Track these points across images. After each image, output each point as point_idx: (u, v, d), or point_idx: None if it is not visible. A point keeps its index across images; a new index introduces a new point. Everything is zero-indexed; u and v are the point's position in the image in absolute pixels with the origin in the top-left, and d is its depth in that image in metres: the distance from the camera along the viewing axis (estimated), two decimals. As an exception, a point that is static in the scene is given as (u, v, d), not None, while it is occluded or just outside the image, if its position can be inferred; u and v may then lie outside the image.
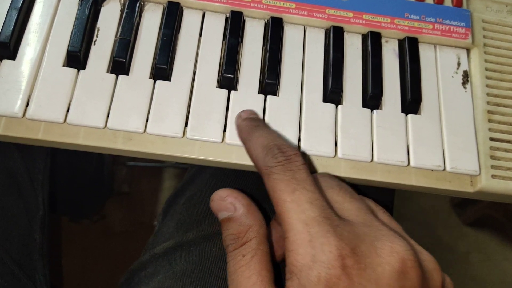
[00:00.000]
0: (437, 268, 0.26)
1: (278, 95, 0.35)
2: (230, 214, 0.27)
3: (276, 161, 0.26)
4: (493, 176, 0.34)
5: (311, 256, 0.24)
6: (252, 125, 0.31)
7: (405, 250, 0.24)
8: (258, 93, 0.35)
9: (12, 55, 0.33)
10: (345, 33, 0.37)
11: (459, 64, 0.38)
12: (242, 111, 0.33)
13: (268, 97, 0.34)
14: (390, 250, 0.24)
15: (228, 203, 0.28)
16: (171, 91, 0.33)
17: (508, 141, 0.36)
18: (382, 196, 0.44)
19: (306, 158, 0.33)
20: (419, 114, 0.36)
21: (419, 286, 0.24)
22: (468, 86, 0.37)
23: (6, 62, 0.33)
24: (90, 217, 0.94)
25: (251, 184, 0.40)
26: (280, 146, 0.27)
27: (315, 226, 0.24)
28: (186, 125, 0.33)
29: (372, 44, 0.37)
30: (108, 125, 0.32)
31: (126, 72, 0.34)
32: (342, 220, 0.25)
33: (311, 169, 0.33)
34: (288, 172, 0.26)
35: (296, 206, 0.25)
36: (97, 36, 0.34)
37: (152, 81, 0.34)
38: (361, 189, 0.40)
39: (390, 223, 0.28)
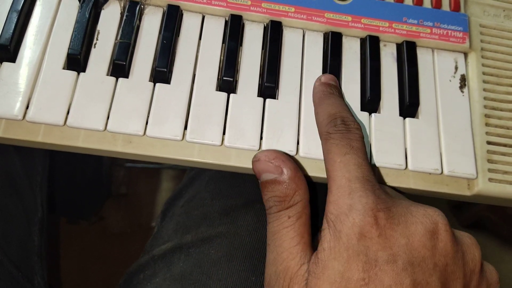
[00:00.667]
0: (474, 244, 0.27)
1: (277, 98, 0.35)
2: (276, 176, 0.28)
3: (337, 129, 0.29)
4: (490, 180, 0.34)
5: (348, 205, 0.26)
6: (327, 91, 0.33)
7: (439, 215, 0.26)
8: (257, 96, 0.35)
9: (12, 58, 0.33)
10: (343, 37, 0.38)
11: (456, 68, 0.38)
12: (323, 75, 0.35)
13: (267, 100, 0.35)
14: (424, 213, 0.26)
15: (275, 165, 0.29)
16: (170, 94, 0.34)
17: (505, 145, 0.36)
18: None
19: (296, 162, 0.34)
20: (417, 117, 0.36)
21: (451, 249, 0.26)
22: (465, 90, 0.37)
23: (6, 64, 0.33)
24: (88, 218, 0.94)
25: (249, 186, 0.40)
26: (344, 118, 0.30)
27: (356, 183, 0.26)
28: (185, 128, 0.33)
29: (371, 48, 0.37)
30: (108, 127, 0.32)
31: (126, 75, 0.34)
32: (382, 189, 0.28)
33: (311, 170, 0.34)
34: (345, 140, 0.28)
35: (343, 166, 0.27)
36: (97, 39, 0.35)
37: (152, 84, 0.34)
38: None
39: None
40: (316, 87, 0.34)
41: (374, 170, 0.34)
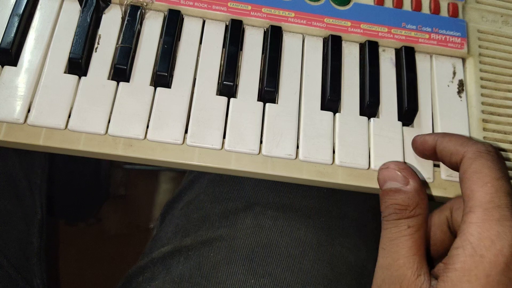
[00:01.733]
0: None
1: (277, 103, 0.35)
2: (401, 186, 0.29)
3: (487, 150, 0.28)
4: (488, 184, 0.35)
5: (496, 231, 0.25)
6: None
7: None
8: (257, 100, 0.35)
9: (14, 62, 0.33)
10: (343, 42, 0.38)
11: (454, 73, 0.38)
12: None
13: (267, 104, 0.35)
14: None
15: (403, 175, 0.30)
16: (171, 98, 0.34)
17: (502, 150, 0.36)
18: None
19: (295, 165, 0.34)
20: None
21: None
22: (463, 95, 0.38)
23: (7, 68, 0.33)
24: (86, 220, 0.94)
25: (249, 190, 0.41)
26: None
27: (507, 211, 0.26)
28: (186, 132, 0.33)
29: (370, 53, 0.37)
30: (109, 131, 0.32)
31: (127, 79, 0.34)
32: None
33: (311, 174, 0.34)
34: (499, 163, 0.28)
35: (494, 191, 0.26)
36: (98, 43, 0.35)
37: (152, 88, 0.34)
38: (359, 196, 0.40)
39: None
40: (420, 137, 0.34)
41: (374, 175, 0.34)
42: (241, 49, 0.37)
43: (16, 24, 0.34)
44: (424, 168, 0.35)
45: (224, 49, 0.36)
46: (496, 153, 0.28)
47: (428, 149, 0.33)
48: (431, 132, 0.36)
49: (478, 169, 0.28)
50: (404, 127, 0.36)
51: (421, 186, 0.30)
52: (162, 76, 0.34)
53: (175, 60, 0.35)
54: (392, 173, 0.30)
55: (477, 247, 0.25)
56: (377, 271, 0.28)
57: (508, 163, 0.36)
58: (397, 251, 0.27)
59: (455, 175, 0.35)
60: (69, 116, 0.32)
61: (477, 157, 0.28)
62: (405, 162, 0.31)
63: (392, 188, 0.30)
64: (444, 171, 0.35)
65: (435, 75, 0.38)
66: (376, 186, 0.34)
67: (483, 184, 0.27)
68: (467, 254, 0.25)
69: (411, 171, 0.30)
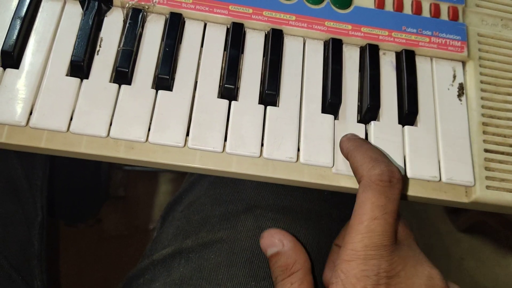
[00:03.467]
0: None
1: (278, 106, 0.35)
2: (279, 249, 0.32)
3: (380, 179, 0.29)
4: (488, 187, 0.35)
5: (361, 270, 0.27)
6: (361, 141, 0.34)
7: (440, 279, 0.28)
8: (258, 103, 0.35)
9: (16, 64, 0.34)
10: (343, 45, 0.38)
11: (454, 76, 0.39)
12: (347, 134, 0.35)
13: (268, 107, 0.35)
14: (428, 275, 0.28)
15: (277, 239, 0.32)
16: (173, 101, 0.34)
17: (502, 153, 0.36)
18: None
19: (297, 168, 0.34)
20: (416, 125, 0.36)
21: None
22: (463, 98, 0.38)
23: (9, 71, 0.33)
24: (86, 221, 0.94)
25: (249, 192, 0.41)
26: (388, 164, 0.30)
27: (373, 250, 0.27)
28: (187, 134, 0.33)
29: (370, 56, 0.37)
30: (111, 134, 0.33)
31: (128, 82, 0.34)
32: (396, 245, 0.29)
33: (311, 177, 0.34)
34: (383, 199, 0.28)
35: (366, 232, 0.28)
36: (100, 46, 0.35)
37: (154, 91, 0.34)
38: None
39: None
40: (346, 140, 0.34)
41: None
42: (242, 52, 0.37)
43: (18, 27, 0.34)
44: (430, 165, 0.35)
45: (225, 52, 0.37)
46: (389, 184, 0.28)
47: (345, 156, 0.34)
48: (433, 135, 0.36)
49: (362, 202, 0.29)
50: (407, 127, 0.36)
51: (295, 243, 0.32)
52: (164, 79, 0.34)
53: (177, 63, 0.35)
54: (268, 240, 0.32)
55: (346, 284, 0.27)
56: None
57: (506, 166, 0.36)
58: None
59: (454, 179, 0.35)
60: (71, 119, 0.33)
61: (366, 187, 0.29)
62: (277, 229, 0.33)
63: (273, 253, 0.32)
64: (445, 174, 0.35)
65: (435, 78, 0.38)
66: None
67: (359, 223, 0.28)
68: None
69: (283, 233, 0.32)
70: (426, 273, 0.28)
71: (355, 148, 0.32)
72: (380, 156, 0.31)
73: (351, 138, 0.34)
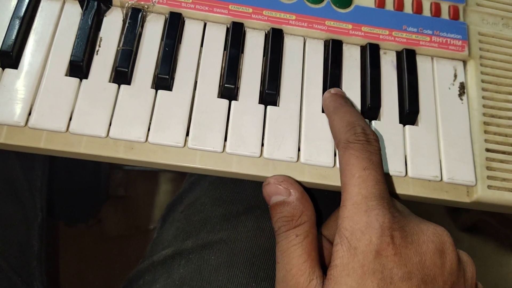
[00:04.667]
0: (472, 262, 0.29)
1: (278, 105, 0.35)
2: (285, 198, 0.30)
3: (357, 139, 0.29)
4: (489, 187, 0.35)
5: (365, 222, 0.26)
6: (342, 101, 0.34)
7: (447, 235, 0.28)
8: (259, 103, 0.35)
9: (15, 64, 0.33)
10: (344, 45, 0.38)
11: (455, 76, 0.38)
12: (332, 88, 0.35)
13: (268, 107, 0.35)
14: (434, 232, 0.27)
15: (284, 187, 0.30)
16: (172, 101, 0.34)
17: (503, 152, 0.36)
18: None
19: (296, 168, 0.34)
20: (417, 125, 0.36)
21: (456, 268, 0.27)
22: (464, 97, 0.38)
23: (8, 71, 0.33)
24: (86, 221, 0.94)
25: (250, 192, 0.41)
26: (364, 127, 0.30)
27: (373, 200, 0.27)
28: (187, 134, 0.33)
29: (371, 55, 0.37)
30: (110, 134, 0.32)
31: (128, 82, 0.34)
32: (395, 207, 0.29)
33: (312, 176, 0.34)
34: (365, 152, 0.28)
35: (362, 182, 0.27)
36: (99, 46, 0.35)
37: (154, 91, 0.34)
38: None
39: None
40: (328, 98, 0.34)
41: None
42: (242, 52, 0.37)
43: (17, 27, 0.34)
44: (431, 165, 0.35)
45: (225, 51, 0.36)
46: (366, 141, 0.29)
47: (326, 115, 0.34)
48: (434, 134, 0.36)
49: (347, 160, 0.29)
50: (408, 126, 0.36)
51: (302, 194, 0.30)
52: (163, 79, 0.34)
53: (176, 63, 0.35)
54: (274, 187, 0.31)
55: (351, 240, 0.26)
56: (276, 285, 0.29)
57: (508, 166, 0.36)
58: (289, 261, 0.28)
59: (456, 178, 0.35)
60: (70, 119, 0.32)
61: (346, 148, 0.29)
62: (284, 175, 0.32)
63: (277, 201, 0.30)
64: (446, 173, 0.35)
65: (436, 77, 0.38)
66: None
67: (351, 176, 0.28)
68: (344, 249, 0.26)
69: (291, 181, 0.31)
70: (431, 230, 0.28)
71: (334, 110, 0.32)
72: (357, 120, 0.31)
73: (334, 95, 0.34)
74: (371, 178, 0.27)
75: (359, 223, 0.26)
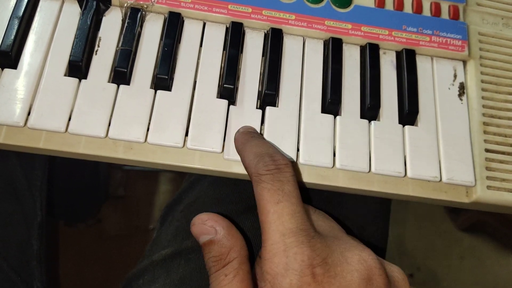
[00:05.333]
0: (405, 278, 0.28)
1: (277, 106, 0.35)
2: (212, 236, 0.28)
3: (267, 169, 0.27)
4: (488, 187, 0.35)
5: (284, 264, 0.25)
6: (248, 136, 0.32)
7: (373, 259, 0.26)
8: (258, 103, 0.35)
9: (14, 64, 0.33)
10: (343, 45, 0.38)
11: (455, 76, 0.38)
12: (241, 127, 0.34)
13: (268, 107, 0.35)
14: (359, 259, 0.26)
15: (209, 226, 0.29)
16: (171, 101, 0.34)
17: (503, 153, 0.36)
18: (378, 207, 0.44)
19: (296, 168, 0.34)
20: (416, 125, 0.36)
21: None
22: (464, 97, 0.38)
23: (7, 71, 0.33)
24: (86, 221, 0.94)
25: (249, 192, 0.41)
26: (272, 155, 0.28)
27: (291, 237, 0.25)
28: (186, 134, 0.33)
29: (370, 55, 0.37)
30: (109, 134, 0.32)
31: (127, 82, 0.34)
32: (317, 233, 0.27)
33: (311, 177, 0.34)
34: (277, 183, 0.27)
35: (277, 218, 0.26)
36: (98, 46, 0.35)
37: (153, 91, 0.34)
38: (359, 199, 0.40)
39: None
40: (237, 137, 0.33)
41: (374, 178, 0.34)
42: (242, 52, 0.37)
43: (16, 27, 0.34)
44: (430, 165, 0.35)
45: (224, 51, 0.36)
46: (276, 169, 0.27)
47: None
48: (433, 135, 0.36)
49: (260, 196, 0.27)
50: (407, 126, 0.36)
51: (230, 229, 0.29)
52: (163, 79, 0.34)
53: (176, 63, 0.35)
54: (199, 228, 0.29)
55: (273, 284, 0.25)
56: None
57: (507, 166, 0.36)
58: None
59: (455, 179, 0.35)
60: (69, 119, 0.32)
61: (258, 182, 0.27)
62: (208, 213, 0.29)
63: (205, 241, 0.29)
64: (445, 174, 0.35)
65: (436, 77, 0.38)
66: (376, 189, 0.34)
67: (267, 213, 0.26)
68: None
69: (216, 218, 0.29)
70: (356, 257, 0.26)
71: (242, 146, 0.31)
72: (265, 149, 0.29)
73: (242, 133, 0.33)
74: (286, 211, 0.26)
75: (279, 265, 0.25)
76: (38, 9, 0.35)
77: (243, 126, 0.34)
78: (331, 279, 0.25)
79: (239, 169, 0.33)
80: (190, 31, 0.37)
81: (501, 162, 0.36)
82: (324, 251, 0.26)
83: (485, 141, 0.36)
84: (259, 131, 0.34)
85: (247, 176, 0.33)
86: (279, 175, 0.27)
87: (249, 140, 0.31)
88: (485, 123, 0.37)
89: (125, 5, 0.36)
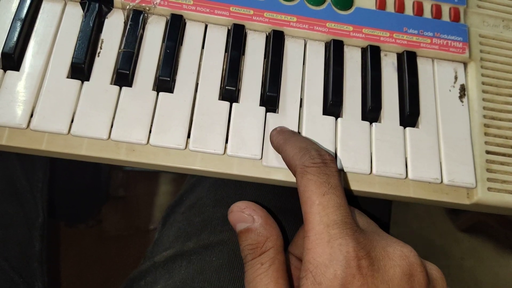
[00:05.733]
0: (443, 277, 0.28)
1: (279, 108, 0.35)
2: (249, 225, 0.29)
3: (313, 162, 0.28)
4: (489, 189, 0.35)
5: (328, 254, 0.25)
6: (290, 133, 0.33)
7: (414, 256, 0.26)
8: (260, 105, 0.35)
9: (16, 66, 0.33)
10: (345, 47, 0.38)
11: (456, 78, 0.39)
12: (277, 127, 0.34)
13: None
14: (401, 255, 0.26)
15: (247, 214, 0.29)
16: (173, 103, 0.34)
17: (503, 154, 0.36)
18: (379, 208, 0.44)
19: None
20: (417, 127, 0.36)
21: None
22: (465, 99, 0.38)
23: (10, 73, 0.33)
24: (86, 221, 0.94)
25: (250, 194, 0.41)
26: (318, 149, 0.29)
27: (335, 229, 0.25)
28: (188, 136, 0.33)
29: (372, 57, 0.37)
30: (112, 136, 0.32)
31: (129, 84, 0.34)
32: (359, 228, 0.27)
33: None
34: (323, 176, 0.27)
35: (322, 209, 0.26)
36: (101, 48, 0.35)
37: (155, 93, 0.34)
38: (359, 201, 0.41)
39: None
40: (275, 134, 0.33)
41: (375, 179, 0.34)
42: (243, 54, 0.37)
43: (18, 29, 0.34)
44: (431, 167, 0.35)
45: (226, 53, 0.36)
46: (323, 163, 0.28)
47: (276, 150, 0.33)
48: (434, 136, 0.36)
49: (305, 187, 0.27)
50: (408, 128, 0.36)
51: (267, 219, 0.29)
52: (165, 81, 0.34)
53: (178, 65, 0.35)
54: (237, 215, 0.30)
55: (316, 275, 0.25)
56: None
57: (508, 168, 0.36)
58: None
59: (456, 180, 0.35)
60: (72, 121, 0.32)
61: (303, 173, 0.27)
62: (247, 201, 0.30)
63: (242, 229, 0.29)
64: (446, 175, 0.35)
65: (436, 79, 0.38)
66: (378, 190, 0.34)
67: (311, 204, 0.26)
68: (309, 284, 0.25)
69: (254, 207, 0.30)
70: (398, 253, 0.26)
71: (284, 141, 0.31)
72: (309, 144, 0.30)
73: (280, 131, 0.33)
74: (331, 203, 0.26)
75: (323, 255, 0.25)
76: (41, 11, 0.35)
77: (279, 126, 0.34)
78: (375, 273, 0.25)
79: (240, 171, 0.33)
80: (192, 33, 0.37)
81: (502, 163, 0.36)
82: (368, 245, 0.26)
83: (486, 143, 0.36)
84: (262, 133, 0.34)
85: (248, 178, 0.34)
86: (325, 169, 0.27)
87: (293, 135, 0.32)
88: (485, 125, 0.37)
89: (127, 7, 0.36)
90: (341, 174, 0.34)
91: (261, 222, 0.29)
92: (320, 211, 0.26)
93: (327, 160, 0.28)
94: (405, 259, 0.26)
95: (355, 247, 0.25)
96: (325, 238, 0.25)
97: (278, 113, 0.35)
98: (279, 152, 0.32)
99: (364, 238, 0.26)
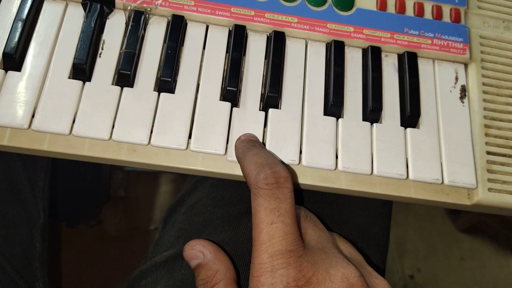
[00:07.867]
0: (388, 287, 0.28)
1: (280, 108, 0.35)
2: (199, 261, 0.30)
3: (266, 182, 0.27)
4: (490, 190, 0.35)
5: (270, 284, 0.26)
6: (249, 145, 0.32)
7: (355, 277, 0.27)
8: (261, 106, 0.35)
9: (18, 67, 0.34)
10: (346, 47, 0.38)
11: (457, 78, 0.39)
12: (242, 134, 0.34)
13: (270, 110, 0.35)
14: (342, 276, 0.27)
15: (197, 251, 0.30)
16: (175, 104, 0.34)
17: (504, 155, 0.36)
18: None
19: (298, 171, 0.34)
20: (418, 128, 0.36)
21: None
22: (465, 100, 0.38)
23: (11, 73, 0.33)
24: (87, 221, 0.94)
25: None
26: (272, 166, 0.28)
27: (279, 259, 0.26)
28: (189, 137, 0.33)
29: (372, 58, 0.37)
30: (113, 137, 0.32)
31: (131, 84, 0.34)
32: (305, 250, 0.27)
33: (314, 179, 0.34)
34: (274, 201, 0.27)
35: (268, 239, 0.27)
36: (102, 49, 0.35)
37: (156, 93, 0.34)
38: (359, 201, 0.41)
39: (351, 253, 0.30)
40: (237, 144, 0.33)
41: (376, 180, 0.34)
42: (245, 55, 0.37)
43: (19, 29, 0.34)
44: (432, 168, 0.35)
45: (227, 54, 0.37)
46: (275, 185, 0.27)
47: (238, 162, 0.32)
48: (435, 137, 0.36)
49: (256, 212, 0.27)
50: (409, 129, 0.36)
51: (216, 253, 0.30)
52: (166, 82, 0.34)
53: (179, 66, 0.35)
54: (189, 253, 0.31)
55: None
56: None
57: (508, 168, 0.36)
58: None
59: (457, 181, 0.35)
60: (74, 122, 0.33)
61: (255, 196, 0.28)
62: (196, 239, 0.31)
63: (195, 265, 0.30)
64: (447, 176, 0.35)
65: (437, 80, 0.38)
66: (379, 191, 0.34)
67: (260, 232, 0.27)
68: None
69: (203, 243, 0.31)
70: (339, 274, 0.27)
71: (242, 154, 0.31)
72: (266, 159, 0.29)
73: (243, 140, 0.33)
74: (278, 233, 0.26)
75: (265, 285, 0.26)
76: (42, 11, 0.36)
77: (244, 134, 0.34)
78: None
79: (241, 171, 0.33)
80: (193, 34, 0.37)
81: (502, 164, 0.36)
82: (310, 271, 0.26)
83: (487, 143, 0.36)
84: (262, 133, 0.34)
85: (250, 178, 0.34)
86: (278, 192, 0.27)
87: (250, 148, 0.31)
88: (486, 126, 0.37)
89: (129, 8, 0.36)
90: (342, 174, 0.34)
91: (211, 257, 0.30)
92: (266, 241, 0.26)
93: (281, 179, 0.28)
94: (345, 281, 0.26)
95: (295, 276, 0.26)
96: (268, 268, 0.26)
97: None
98: (239, 164, 0.32)
99: (308, 263, 0.27)
